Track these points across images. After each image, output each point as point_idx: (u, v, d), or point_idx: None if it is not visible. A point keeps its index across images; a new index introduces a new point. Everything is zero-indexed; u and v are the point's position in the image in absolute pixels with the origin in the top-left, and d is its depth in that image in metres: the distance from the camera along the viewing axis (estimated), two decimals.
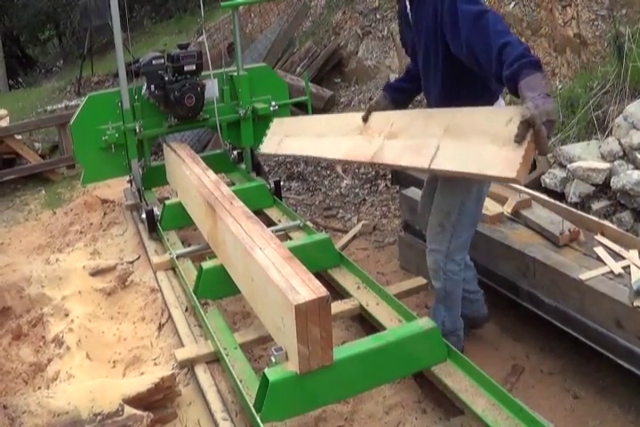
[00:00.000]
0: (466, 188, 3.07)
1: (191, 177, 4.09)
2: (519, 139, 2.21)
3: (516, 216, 3.78)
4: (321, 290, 2.50)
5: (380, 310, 3.37)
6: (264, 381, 2.62)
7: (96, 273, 4.50)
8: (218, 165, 5.10)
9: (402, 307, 3.28)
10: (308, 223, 4.42)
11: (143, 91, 4.73)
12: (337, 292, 3.69)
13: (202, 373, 3.30)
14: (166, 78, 4.60)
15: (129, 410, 3.10)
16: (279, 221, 4.58)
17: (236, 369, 3.09)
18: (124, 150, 4.88)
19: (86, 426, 3.02)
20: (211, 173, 4.13)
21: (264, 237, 3.06)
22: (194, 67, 4.59)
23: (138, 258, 4.94)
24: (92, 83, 12.19)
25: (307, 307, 2.45)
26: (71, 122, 4.78)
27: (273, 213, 4.75)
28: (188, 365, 3.39)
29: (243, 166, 5.39)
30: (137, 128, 4.77)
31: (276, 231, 4.24)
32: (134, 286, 4.59)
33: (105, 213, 6.15)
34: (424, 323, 2.87)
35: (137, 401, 3.16)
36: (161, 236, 4.56)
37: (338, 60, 8.45)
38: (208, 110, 4.92)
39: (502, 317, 3.84)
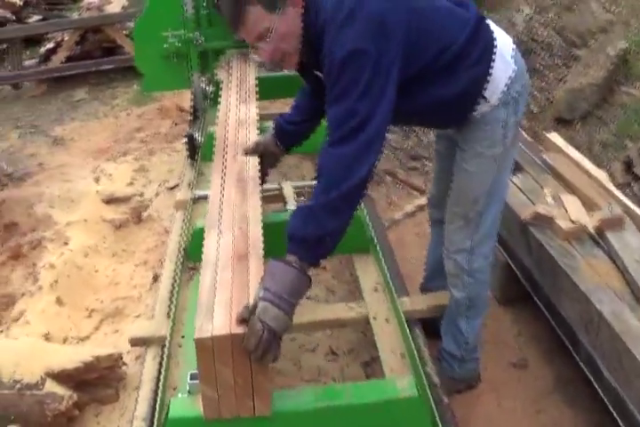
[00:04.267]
0: (498, 154, 2.36)
1: (222, 108, 3.34)
2: None
3: (600, 237, 2.85)
4: (244, 325, 1.75)
5: (385, 333, 2.60)
6: (168, 410, 1.99)
7: (110, 201, 3.93)
8: (287, 88, 4.30)
9: (408, 338, 2.47)
10: None
11: None
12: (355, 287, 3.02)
13: (150, 359, 2.63)
14: None
15: (50, 386, 2.69)
16: None
17: (180, 368, 2.45)
18: (186, 61, 4.30)
19: (5, 391, 2.69)
20: (252, 106, 3.34)
21: (235, 214, 2.30)
22: None
23: (177, 186, 4.33)
24: None
25: (212, 343, 1.74)
26: (135, 23, 4.29)
27: None
28: (141, 344, 2.74)
29: None
30: (198, 38, 4.16)
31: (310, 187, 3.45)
32: (150, 222, 4.06)
33: (175, 124, 5.64)
34: (404, 386, 2.02)
35: (65, 377, 2.72)
36: (196, 167, 3.84)
37: None
38: None
39: (561, 365, 2.97)
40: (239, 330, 1.74)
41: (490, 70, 2.22)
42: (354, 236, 2.95)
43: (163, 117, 5.90)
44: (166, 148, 5.26)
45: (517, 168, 3.33)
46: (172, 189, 4.45)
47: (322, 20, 2.04)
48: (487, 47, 2.24)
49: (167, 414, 1.98)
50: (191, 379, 1.99)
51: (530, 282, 2.98)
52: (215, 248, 2.14)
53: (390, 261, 3.08)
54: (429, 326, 2.78)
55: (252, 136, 2.97)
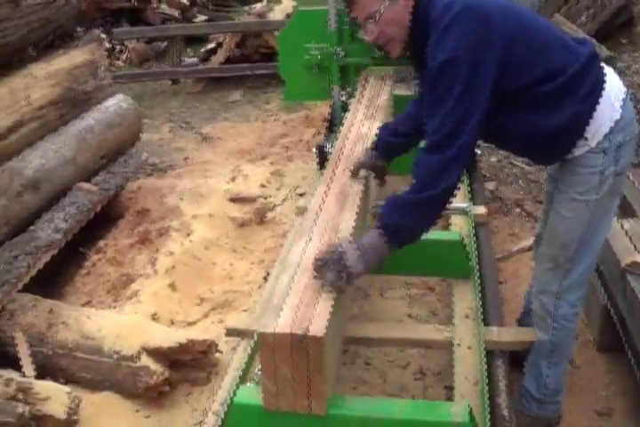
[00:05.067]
0: (592, 201, 2.31)
1: (347, 122, 3.47)
2: None
3: None
4: (304, 327, 1.88)
5: (465, 360, 2.63)
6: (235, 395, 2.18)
7: (236, 200, 4.16)
8: None
9: (483, 367, 2.52)
10: (477, 209, 3.58)
11: None
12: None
13: (241, 350, 2.83)
14: None
15: (145, 360, 2.92)
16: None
17: None
18: (327, 74, 4.47)
19: (104, 359, 2.96)
20: (375, 123, 3.44)
21: (328, 225, 2.42)
22: None
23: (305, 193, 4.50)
24: None
25: (274, 339, 1.89)
26: (279, 33, 4.50)
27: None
28: (236, 335, 2.92)
29: None
30: (339, 53, 4.31)
31: None
32: (272, 224, 4.24)
33: (318, 133, 5.81)
34: (457, 411, 2.08)
35: (160, 354, 2.95)
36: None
37: (628, 17, 7.06)
38: None
39: None
40: (299, 331, 1.87)
41: (594, 110, 2.18)
42: (456, 261, 3.05)
43: (307, 126, 6.11)
44: (305, 155, 5.44)
45: (630, 213, 3.26)
46: (301, 195, 4.62)
47: (431, 19, 2.13)
48: (596, 86, 2.20)
49: (233, 399, 2.16)
50: (259, 370, 2.13)
51: (623, 329, 2.92)
52: (300, 254, 2.27)
53: (492, 291, 3.10)
54: (521, 359, 2.77)
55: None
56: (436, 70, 2.07)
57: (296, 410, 2.01)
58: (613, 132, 2.22)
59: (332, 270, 2.03)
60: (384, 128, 2.76)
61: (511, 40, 2.11)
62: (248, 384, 2.25)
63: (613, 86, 2.26)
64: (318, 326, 1.90)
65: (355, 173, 2.74)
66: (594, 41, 2.25)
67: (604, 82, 2.23)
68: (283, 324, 1.90)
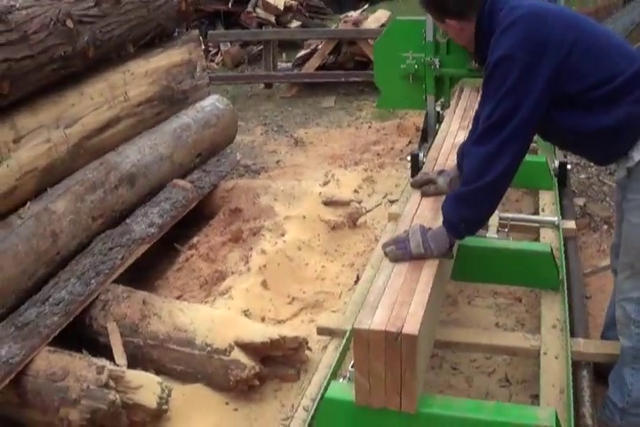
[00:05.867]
0: None
1: (441, 132, 3.53)
2: None
3: None
4: (399, 325, 1.95)
5: (551, 368, 2.64)
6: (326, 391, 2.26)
7: (329, 203, 4.23)
8: None
9: (570, 376, 2.54)
10: (567, 223, 3.64)
11: None
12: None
13: (332, 348, 2.91)
14: None
15: (237, 354, 2.98)
16: (543, 209, 3.84)
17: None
18: (422, 83, 4.55)
19: (196, 351, 3.03)
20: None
21: None
22: None
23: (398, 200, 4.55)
24: None
25: (369, 335, 1.97)
26: (375, 42, 4.59)
27: (545, 197, 4.01)
28: (326, 334, 3.02)
29: None
30: (435, 63, 4.38)
31: (526, 221, 3.63)
32: (364, 229, 4.31)
33: (411, 142, 5.86)
34: (544, 416, 2.10)
35: (252, 349, 3.02)
36: None
37: None
38: None
39: None
40: (393, 329, 1.93)
41: None
42: (545, 272, 3.07)
43: (400, 134, 6.16)
44: (397, 163, 5.50)
45: None
46: (393, 202, 4.66)
47: (494, 25, 2.28)
48: None
49: (324, 394, 2.24)
50: (352, 367, 2.21)
51: None
52: None
53: (579, 304, 3.15)
54: (606, 372, 2.78)
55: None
56: (492, 65, 2.21)
57: (387, 407, 2.08)
58: None
59: (395, 248, 2.34)
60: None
61: (571, 47, 2.19)
62: (340, 380, 2.29)
63: None
64: (412, 325, 1.96)
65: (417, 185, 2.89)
66: None
67: None
68: (378, 321, 1.97)
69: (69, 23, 3.54)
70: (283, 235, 4.06)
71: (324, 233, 4.18)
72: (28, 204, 3.34)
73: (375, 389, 2.05)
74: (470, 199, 2.27)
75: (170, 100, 4.69)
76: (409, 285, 2.17)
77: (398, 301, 2.09)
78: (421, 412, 2.09)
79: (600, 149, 2.39)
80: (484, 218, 2.39)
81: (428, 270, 2.26)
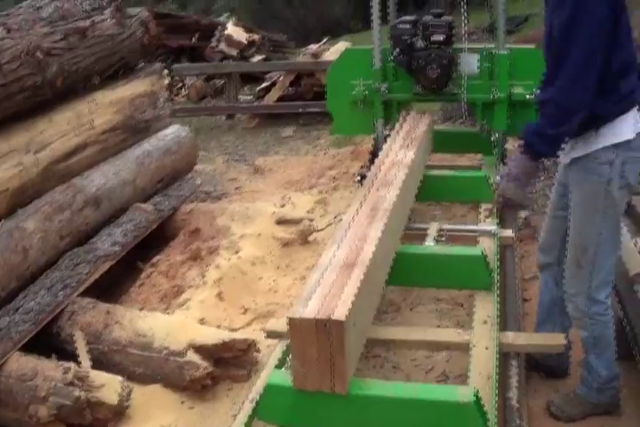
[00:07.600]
0: (602, 208, 2.64)
1: (384, 151, 3.79)
2: None
3: None
4: (328, 313, 2.19)
5: (479, 358, 2.88)
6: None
7: (281, 222, 4.49)
8: (471, 143, 4.93)
9: (497, 365, 2.80)
10: (505, 232, 3.93)
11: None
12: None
13: (279, 349, 3.10)
14: (416, 45, 4.28)
15: (191, 356, 3.21)
16: (482, 220, 4.09)
17: None
18: (371, 109, 4.75)
19: (154, 354, 3.26)
20: (410, 151, 3.76)
21: (357, 234, 2.74)
22: (442, 37, 4.20)
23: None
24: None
25: (301, 323, 2.20)
26: (328, 70, 4.81)
27: (485, 209, 4.23)
28: (275, 337, 3.22)
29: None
30: (383, 89, 4.59)
31: (464, 231, 3.91)
32: (314, 245, 4.55)
33: (363, 166, 6.09)
34: (463, 393, 2.34)
35: (205, 351, 3.24)
36: None
37: None
38: (465, 85, 4.48)
39: None
40: (323, 316, 2.17)
41: (615, 115, 2.51)
42: (477, 275, 3.33)
43: (354, 159, 6.42)
44: (350, 186, 5.75)
45: None
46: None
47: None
48: (628, 98, 2.53)
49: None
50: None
51: (634, 340, 3.12)
52: (330, 258, 2.62)
53: (514, 304, 3.46)
54: (546, 367, 3.21)
55: (400, 175, 3.41)
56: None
57: (321, 389, 2.29)
58: (622, 147, 2.53)
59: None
60: None
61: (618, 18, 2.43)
62: (281, 369, 2.53)
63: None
64: (340, 312, 2.20)
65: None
66: None
67: (635, 97, 2.55)
68: (309, 311, 2.21)
69: (39, 55, 3.82)
70: (237, 252, 4.31)
71: (277, 249, 4.44)
72: (2, 221, 3.59)
73: (310, 373, 2.27)
74: (554, 120, 2.51)
75: (133, 129, 4.98)
76: (340, 280, 2.42)
77: (331, 293, 2.33)
78: (352, 393, 2.32)
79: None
80: (561, 136, 2.56)
81: (359, 269, 2.51)
